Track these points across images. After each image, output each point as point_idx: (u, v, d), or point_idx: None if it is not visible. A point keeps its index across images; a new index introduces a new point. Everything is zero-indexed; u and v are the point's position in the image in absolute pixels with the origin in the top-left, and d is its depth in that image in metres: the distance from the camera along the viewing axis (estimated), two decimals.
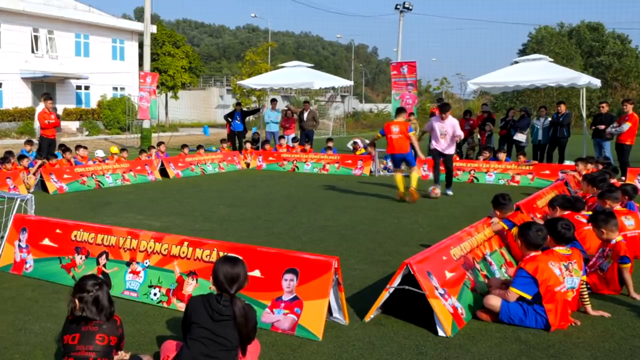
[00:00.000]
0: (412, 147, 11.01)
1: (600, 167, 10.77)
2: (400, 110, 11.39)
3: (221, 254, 4.74)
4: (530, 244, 4.66)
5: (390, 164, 15.79)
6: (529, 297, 4.51)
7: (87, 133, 31.27)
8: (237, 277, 3.48)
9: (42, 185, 11.75)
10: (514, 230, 5.94)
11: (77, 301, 3.35)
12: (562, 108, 15.43)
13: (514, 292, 4.55)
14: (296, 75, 19.84)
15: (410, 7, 41.16)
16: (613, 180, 8.65)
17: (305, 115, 18.63)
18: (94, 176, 12.64)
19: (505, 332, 4.46)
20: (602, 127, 13.99)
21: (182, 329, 3.59)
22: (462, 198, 11.52)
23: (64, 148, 14.00)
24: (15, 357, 3.98)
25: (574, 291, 4.66)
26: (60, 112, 24.98)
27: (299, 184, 13.40)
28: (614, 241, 5.44)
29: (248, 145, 17.96)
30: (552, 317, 4.46)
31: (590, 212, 6.46)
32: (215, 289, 3.53)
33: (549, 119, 15.78)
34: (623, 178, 12.23)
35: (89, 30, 35.33)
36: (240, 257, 3.68)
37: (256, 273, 4.66)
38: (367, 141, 15.26)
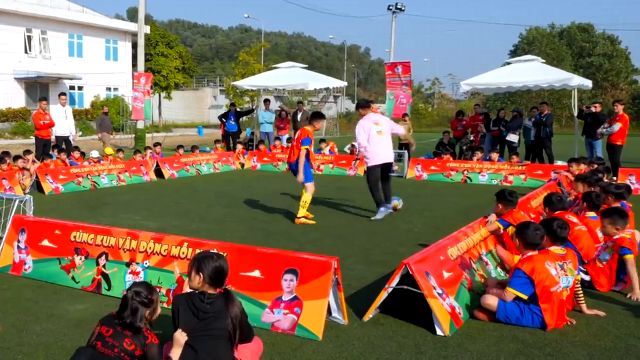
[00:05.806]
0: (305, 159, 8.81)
1: (595, 166, 10.88)
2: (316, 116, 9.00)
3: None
4: (528, 243, 4.72)
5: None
6: (525, 297, 4.57)
7: (80, 133, 31.17)
8: (227, 271, 3.61)
9: (37, 186, 11.73)
10: (510, 229, 6.01)
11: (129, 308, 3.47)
12: (545, 108, 15.68)
13: (511, 292, 4.61)
14: (291, 76, 19.89)
15: (403, 8, 41.27)
16: (606, 180, 8.74)
17: (299, 115, 18.63)
18: (89, 177, 12.63)
19: (503, 331, 4.52)
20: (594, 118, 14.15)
21: (173, 328, 3.62)
22: (456, 198, 11.60)
23: (59, 149, 13.99)
24: (18, 358, 4.01)
25: (569, 290, 4.73)
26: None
27: (293, 185, 13.33)
28: (617, 236, 5.52)
29: (239, 146, 17.98)
30: (548, 317, 4.52)
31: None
32: (199, 287, 3.52)
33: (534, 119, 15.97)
34: (615, 178, 12.35)
35: (82, 31, 35.25)
36: (215, 251, 3.73)
37: (256, 273, 4.71)
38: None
